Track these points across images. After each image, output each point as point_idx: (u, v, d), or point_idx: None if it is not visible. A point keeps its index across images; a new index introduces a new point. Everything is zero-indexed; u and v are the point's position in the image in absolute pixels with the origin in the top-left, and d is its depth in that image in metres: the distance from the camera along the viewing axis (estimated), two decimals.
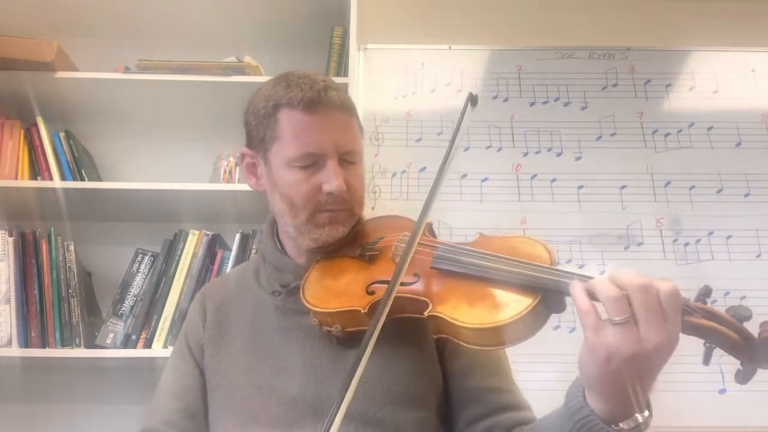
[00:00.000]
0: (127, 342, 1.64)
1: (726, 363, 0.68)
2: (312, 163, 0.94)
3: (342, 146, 0.95)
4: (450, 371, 0.97)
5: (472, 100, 0.95)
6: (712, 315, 0.67)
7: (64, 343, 1.63)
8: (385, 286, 0.84)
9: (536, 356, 1.61)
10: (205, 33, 2.00)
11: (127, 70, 1.82)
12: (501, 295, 0.78)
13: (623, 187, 1.89)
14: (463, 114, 0.94)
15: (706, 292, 0.69)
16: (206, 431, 1.00)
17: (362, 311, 0.87)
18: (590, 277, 0.71)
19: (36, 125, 1.81)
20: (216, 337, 1.03)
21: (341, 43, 1.91)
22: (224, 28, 2.00)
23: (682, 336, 0.68)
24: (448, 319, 0.79)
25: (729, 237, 1.83)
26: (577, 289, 0.70)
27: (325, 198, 0.94)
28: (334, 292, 0.92)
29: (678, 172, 1.90)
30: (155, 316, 1.65)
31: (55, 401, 1.85)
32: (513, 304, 0.75)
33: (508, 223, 1.83)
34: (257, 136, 0.99)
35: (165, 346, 1.62)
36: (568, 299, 0.74)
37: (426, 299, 0.83)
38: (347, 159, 0.97)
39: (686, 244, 1.82)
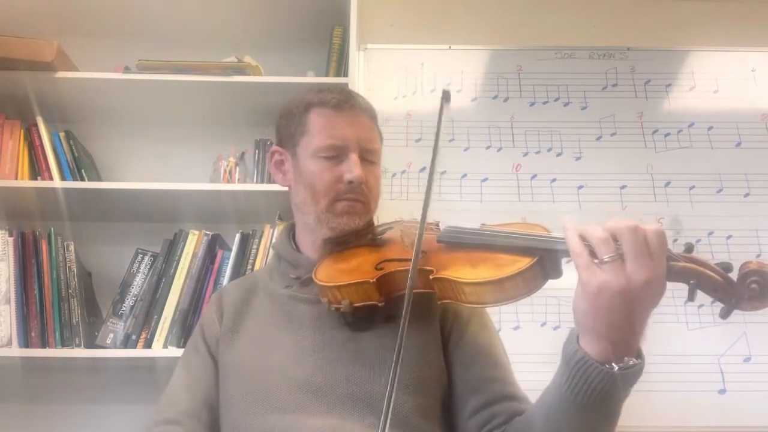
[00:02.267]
0: (127, 342, 1.64)
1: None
2: (336, 155, 1.04)
3: (364, 143, 1.06)
4: (454, 362, 1.00)
5: (445, 95, 1.02)
6: (694, 260, 0.74)
7: (64, 343, 1.63)
8: (394, 262, 0.92)
9: (536, 356, 1.61)
10: (205, 33, 2.00)
11: (127, 70, 1.82)
12: (501, 257, 0.84)
13: (623, 187, 1.89)
14: (441, 113, 1.02)
15: (689, 248, 0.75)
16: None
17: (371, 281, 0.92)
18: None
19: (36, 125, 1.81)
20: (231, 331, 1.07)
21: (341, 43, 1.91)
22: (224, 28, 2.00)
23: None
24: (452, 278, 0.85)
25: (729, 237, 1.83)
26: (570, 231, 0.75)
27: (345, 187, 1.03)
28: (345, 270, 0.98)
29: (678, 172, 1.90)
30: (155, 316, 1.65)
31: (55, 401, 1.85)
32: (513, 264, 0.82)
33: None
34: (288, 133, 1.10)
35: (165, 346, 1.62)
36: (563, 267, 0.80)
37: (432, 268, 0.89)
38: (367, 157, 1.07)
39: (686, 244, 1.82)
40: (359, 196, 1.04)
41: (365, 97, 1.13)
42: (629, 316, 0.71)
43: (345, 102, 1.07)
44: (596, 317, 0.71)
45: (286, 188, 1.16)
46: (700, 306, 1.70)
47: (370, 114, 1.10)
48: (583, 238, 0.74)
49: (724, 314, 0.72)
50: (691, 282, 0.72)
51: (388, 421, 0.72)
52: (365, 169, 1.04)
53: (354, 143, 1.05)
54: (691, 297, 0.72)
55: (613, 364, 0.72)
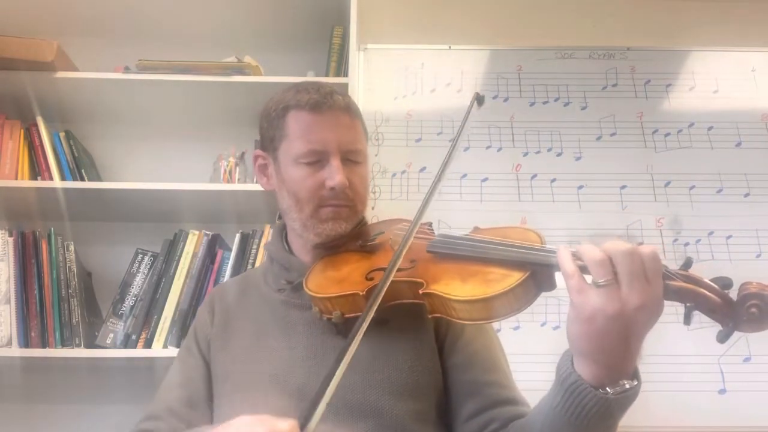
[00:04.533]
0: (127, 342, 1.64)
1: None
2: (317, 160, 1.01)
3: (345, 145, 1.02)
4: (449, 365, 0.99)
5: (479, 99, 0.99)
6: (692, 279, 0.70)
7: (64, 343, 1.63)
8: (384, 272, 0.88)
9: (535, 356, 1.61)
10: (205, 33, 2.00)
11: (127, 70, 1.82)
12: (492, 271, 0.81)
13: (623, 187, 1.89)
14: (468, 113, 0.99)
15: (687, 263, 0.72)
16: (209, 420, 1.02)
17: (360, 294, 0.90)
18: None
19: (36, 125, 1.81)
20: (223, 333, 1.06)
21: (341, 43, 1.91)
22: (224, 28, 2.00)
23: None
24: (441, 294, 0.82)
25: (729, 237, 1.83)
26: (562, 252, 0.73)
27: (328, 193, 1.00)
28: (335, 279, 0.96)
29: (678, 172, 1.90)
30: (155, 316, 1.65)
31: (55, 401, 1.85)
32: (503, 279, 0.79)
33: (508, 223, 1.84)
34: (268, 137, 1.06)
35: (165, 346, 1.62)
36: (557, 278, 0.77)
37: (421, 280, 0.87)
38: (351, 158, 1.03)
39: (686, 244, 1.82)
40: (344, 201, 1.01)
41: (349, 95, 1.08)
42: (624, 340, 0.69)
43: (323, 102, 1.01)
44: (590, 341, 0.70)
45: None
46: None
47: (350, 112, 1.04)
48: (578, 259, 0.71)
49: (722, 338, 0.69)
50: (687, 305, 0.69)
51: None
52: (349, 171, 1.01)
53: (334, 146, 1.00)
54: (687, 320, 0.70)
55: (608, 388, 0.71)
